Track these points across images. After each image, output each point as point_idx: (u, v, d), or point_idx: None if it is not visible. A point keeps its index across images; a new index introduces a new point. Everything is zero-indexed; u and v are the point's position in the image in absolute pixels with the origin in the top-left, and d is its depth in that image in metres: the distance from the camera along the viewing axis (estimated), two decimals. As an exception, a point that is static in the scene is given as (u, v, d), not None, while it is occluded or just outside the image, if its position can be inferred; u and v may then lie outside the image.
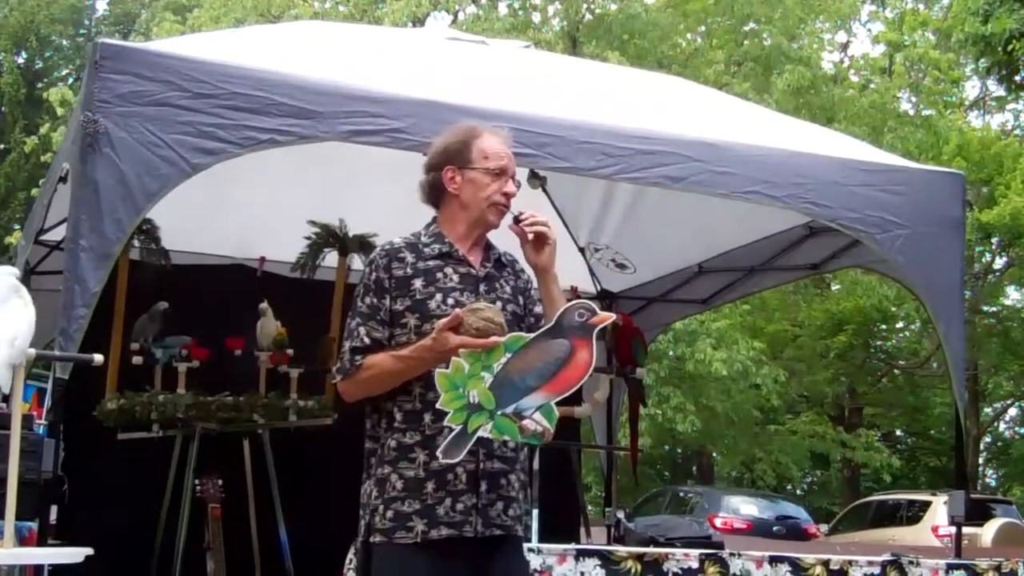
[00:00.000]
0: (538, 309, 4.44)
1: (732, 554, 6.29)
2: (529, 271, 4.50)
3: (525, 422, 4.01)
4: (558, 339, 4.02)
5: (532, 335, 4.04)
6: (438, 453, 4.00)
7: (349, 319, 4.34)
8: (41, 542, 5.06)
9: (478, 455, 4.15)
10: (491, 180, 4.34)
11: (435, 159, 4.45)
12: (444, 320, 4.01)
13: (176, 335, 7.42)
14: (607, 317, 4.12)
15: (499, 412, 3.98)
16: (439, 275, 4.30)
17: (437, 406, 4.00)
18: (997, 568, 6.70)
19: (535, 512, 7.56)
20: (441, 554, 4.12)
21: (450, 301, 4.21)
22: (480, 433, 3.99)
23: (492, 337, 3.97)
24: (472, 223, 4.38)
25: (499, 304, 4.27)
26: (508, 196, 4.36)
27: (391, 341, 4.24)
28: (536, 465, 7.74)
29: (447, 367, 3.97)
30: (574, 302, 4.10)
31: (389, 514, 4.18)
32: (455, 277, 4.31)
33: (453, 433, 3.97)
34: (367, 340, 4.25)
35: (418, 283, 4.28)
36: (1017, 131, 38.88)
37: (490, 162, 4.35)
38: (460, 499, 4.15)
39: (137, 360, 7.33)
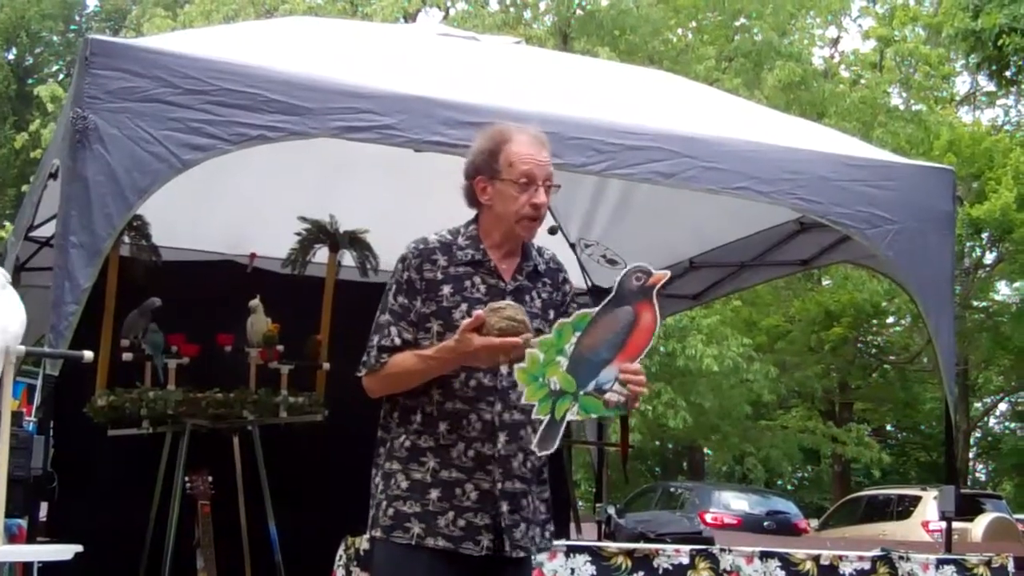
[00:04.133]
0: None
1: (723, 550, 6.30)
2: (572, 282, 4.47)
3: (607, 396, 3.97)
4: (622, 307, 4.00)
5: (595, 309, 4.01)
6: (533, 447, 4.00)
7: (379, 313, 4.29)
8: (31, 539, 5.05)
9: (493, 475, 4.13)
10: (519, 192, 4.18)
11: (469, 167, 4.33)
12: (467, 321, 3.95)
13: (158, 331, 7.42)
14: (663, 276, 4.07)
15: (581, 392, 3.95)
16: (467, 283, 4.24)
17: (522, 401, 3.99)
18: (987, 563, 6.72)
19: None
20: (442, 562, 4.11)
21: (474, 313, 4.09)
22: (569, 417, 3.97)
23: (514, 337, 3.92)
24: (504, 234, 4.27)
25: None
26: (537, 208, 4.21)
27: (416, 342, 4.21)
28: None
29: (524, 362, 3.95)
30: (630, 267, 4.07)
31: (390, 512, 4.18)
32: (483, 288, 4.23)
33: (543, 424, 3.95)
34: (397, 340, 4.22)
35: (446, 289, 4.22)
36: (1007, 127, 38.93)
37: (515, 170, 4.19)
38: (464, 515, 4.12)
39: (127, 356, 7.31)
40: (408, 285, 4.25)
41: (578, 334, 3.97)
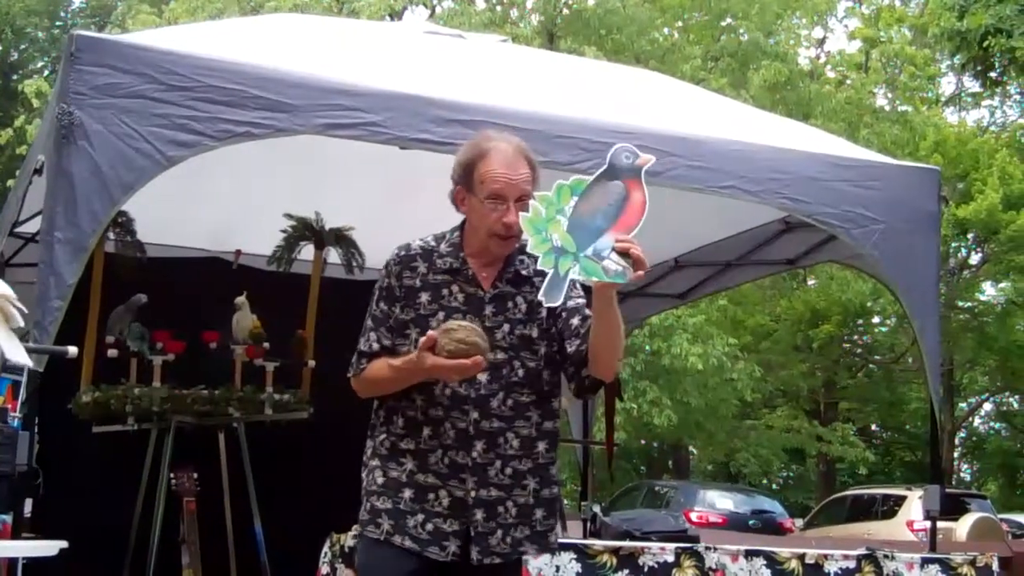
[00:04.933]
0: (574, 321, 4.24)
1: (708, 548, 6.31)
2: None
3: (605, 263, 3.90)
4: (614, 180, 3.99)
5: (591, 177, 3.99)
6: (540, 296, 3.93)
7: (366, 318, 4.32)
8: (16, 535, 5.04)
9: (467, 483, 4.12)
10: (490, 210, 4.13)
11: (452, 174, 4.29)
12: (422, 339, 3.94)
13: (141, 326, 7.42)
14: (649, 159, 4.03)
15: (581, 254, 3.89)
16: (445, 291, 4.23)
17: (528, 249, 3.92)
18: (972, 562, 6.73)
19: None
20: (410, 561, 4.13)
21: (428, 333, 4.06)
22: (572, 276, 3.91)
23: (464, 360, 3.88)
24: (480, 245, 4.23)
25: (506, 327, 4.20)
26: (508, 227, 4.12)
27: (395, 348, 4.22)
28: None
29: (528, 212, 3.95)
30: (619, 144, 4.05)
31: (367, 506, 4.22)
32: (460, 296, 4.22)
33: (548, 277, 3.89)
34: (375, 346, 4.26)
35: (424, 297, 4.23)
36: (992, 127, 39.04)
37: (486, 188, 4.13)
38: (433, 520, 4.13)
39: (112, 353, 7.30)
40: (388, 292, 4.28)
41: (575, 198, 3.95)
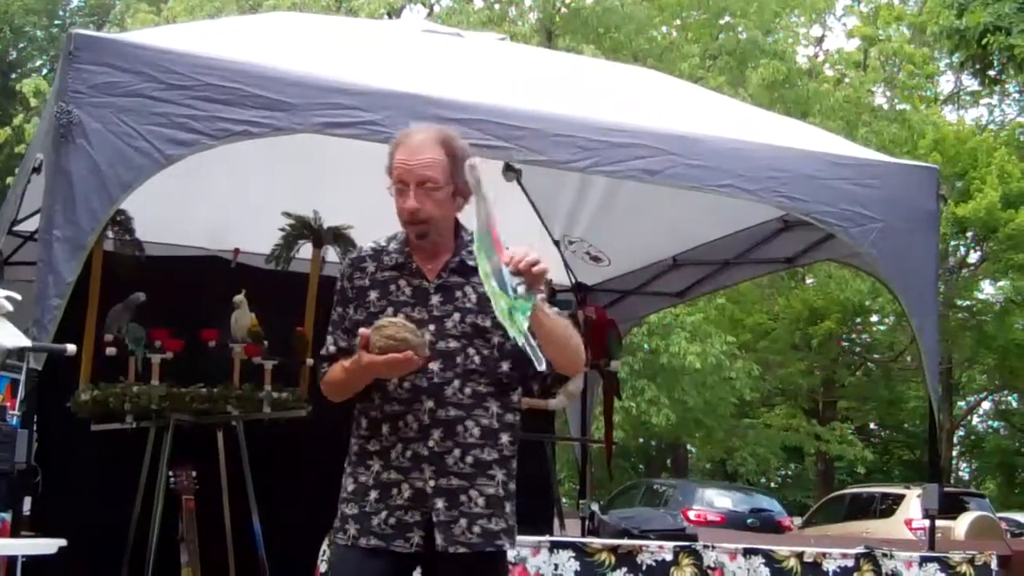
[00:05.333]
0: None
1: (706, 546, 6.31)
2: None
3: (520, 292, 3.87)
4: (479, 207, 3.96)
5: (482, 222, 3.95)
6: (539, 368, 3.92)
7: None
8: (15, 533, 5.05)
9: (425, 473, 4.13)
10: (397, 197, 4.23)
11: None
12: (358, 339, 4.03)
13: (136, 324, 7.43)
14: (473, 160, 3.99)
15: (514, 300, 3.87)
16: (392, 287, 4.29)
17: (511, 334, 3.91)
18: (970, 561, 6.73)
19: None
20: (378, 560, 4.16)
21: (400, 316, 4.16)
22: (525, 325, 3.87)
23: (396, 355, 3.93)
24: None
25: (457, 315, 4.22)
26: (408, 212, 4.19)
27: (351, 349, 4.24)
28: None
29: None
30: (467, 163, 4.00)
31: (339, 514, 4.27)
32: (408, 290, 4.27)
33: (528, 348, 3.88)
34: (332, 349, 4.35)
35: (373, 295, 4.29)
36: (991, 126, 39.04)
37: (392, 176, 4.22)
38: (395, 514, 4.15)
39: (111, 351, 7.31)
40: (341, 294, 4.37)
41: (482, 253, 3.92)
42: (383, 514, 4.15)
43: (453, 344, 4.20)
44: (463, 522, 4.15)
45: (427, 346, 4.05)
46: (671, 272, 9.57)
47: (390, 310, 4.21)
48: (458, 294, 4.27)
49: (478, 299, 4.24)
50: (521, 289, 3.86)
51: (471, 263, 4.21)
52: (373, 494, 4.17)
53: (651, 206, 8.25)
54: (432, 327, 4.20)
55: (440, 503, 4.13)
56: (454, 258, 4.31)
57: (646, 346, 25.46)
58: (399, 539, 4.13)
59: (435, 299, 4.24)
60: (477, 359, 4.22)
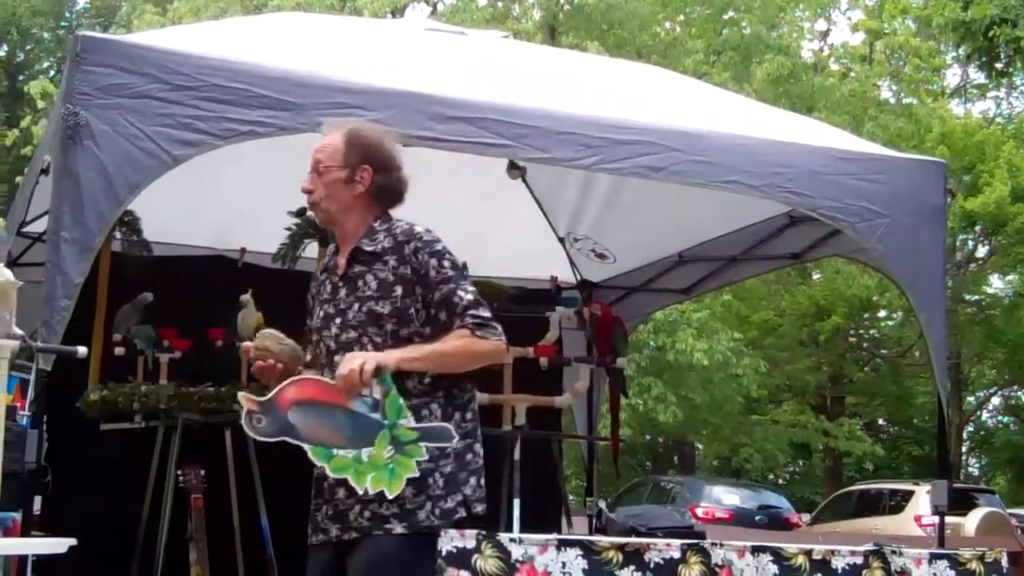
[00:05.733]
0: (441, 315, 4.32)
1: (714, 544, 6.29)
2: (434, 244, 4.40)
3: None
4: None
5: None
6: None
7: None
8: (25, 533, 5.07)
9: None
10: None
11: None
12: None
13: (145, 325, 7.45)
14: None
15: (390, 426, 4.16)
16: (320, 289, 4.46)
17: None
18: (980, 558, 6.71)
19: (516, 502, 7.60)
20: (324, 553, 4.36)
21: (320, 314, 4.37)
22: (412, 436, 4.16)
23: (260, 363, 4.33)
24: None
25: (356, 305, 4.32)
26: (307, 193, 4.41)
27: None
28: (517, 456, 7.78)
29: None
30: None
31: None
32: (328, 288, 4.42)
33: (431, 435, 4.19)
34: (307, 357, 4.50)
35: (311, 300, 4.52)
36: (999, 119, 38.98)
37: None
38: (326, 506, 4.33)
39: (120, 351, 7.33)
40: (308, 307, 4.56)
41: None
42: (325, 508, 4.33)
43: (352, 334, 4.31)
44: (357, 508, 4.25)
45: (296, 351, 4.36)
46: (677, 269, 9.56)
47: (317, 310, 4.42)
48: (360, 283, 4.35)
49: (378, 285, 4.31)
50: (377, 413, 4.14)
51: (369, 248, 4.35)
52: (315, 491, 4.38)
53: (656, 203, 8.25)
54: (338, 320, 4.34)
55: (341, 492, 4.27)
56: (362, 243, 4.39)
57: (652, 343, 25.44)
58: (321, 533, 4.35)
59: (343, 292, 4.36)
60: (370, 348, 4.27)
